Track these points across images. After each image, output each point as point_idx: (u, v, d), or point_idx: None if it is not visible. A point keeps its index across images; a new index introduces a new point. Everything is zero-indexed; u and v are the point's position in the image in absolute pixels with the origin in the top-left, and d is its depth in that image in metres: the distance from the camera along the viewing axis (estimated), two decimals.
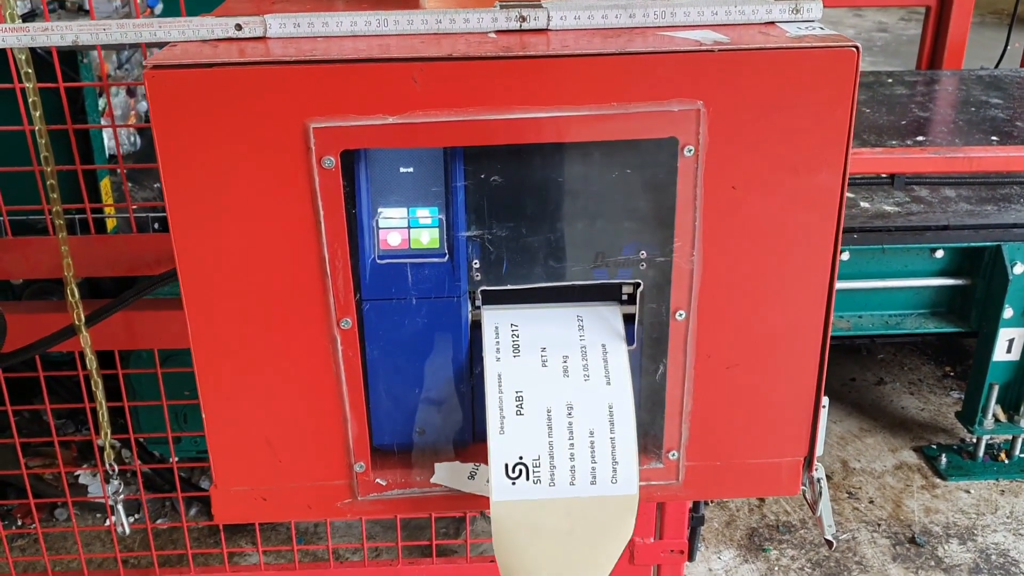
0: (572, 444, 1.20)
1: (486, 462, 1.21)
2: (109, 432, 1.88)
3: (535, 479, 1.20)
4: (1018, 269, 2.61)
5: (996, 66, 3.92)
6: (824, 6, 1.22)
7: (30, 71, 1.57)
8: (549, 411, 1.20)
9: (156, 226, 2.36)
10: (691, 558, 2.19)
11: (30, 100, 1.59)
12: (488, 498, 1.20)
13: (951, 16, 3.79)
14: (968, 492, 2.84)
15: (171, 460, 2.17)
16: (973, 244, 2.68)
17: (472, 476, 1.29)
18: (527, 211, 1.20)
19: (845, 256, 2.66)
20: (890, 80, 3.64)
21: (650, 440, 1.31)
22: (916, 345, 3.59)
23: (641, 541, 2.12)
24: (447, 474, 1.29)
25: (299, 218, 1.14)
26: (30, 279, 2.43)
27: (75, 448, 2.76)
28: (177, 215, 1.14)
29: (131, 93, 2.76)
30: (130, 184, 2.68)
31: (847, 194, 1.20)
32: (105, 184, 2.46)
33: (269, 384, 1.22)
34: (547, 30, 1.16)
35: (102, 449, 1.87)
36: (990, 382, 2.74)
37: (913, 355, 3.55)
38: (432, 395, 1.27)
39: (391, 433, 1.29)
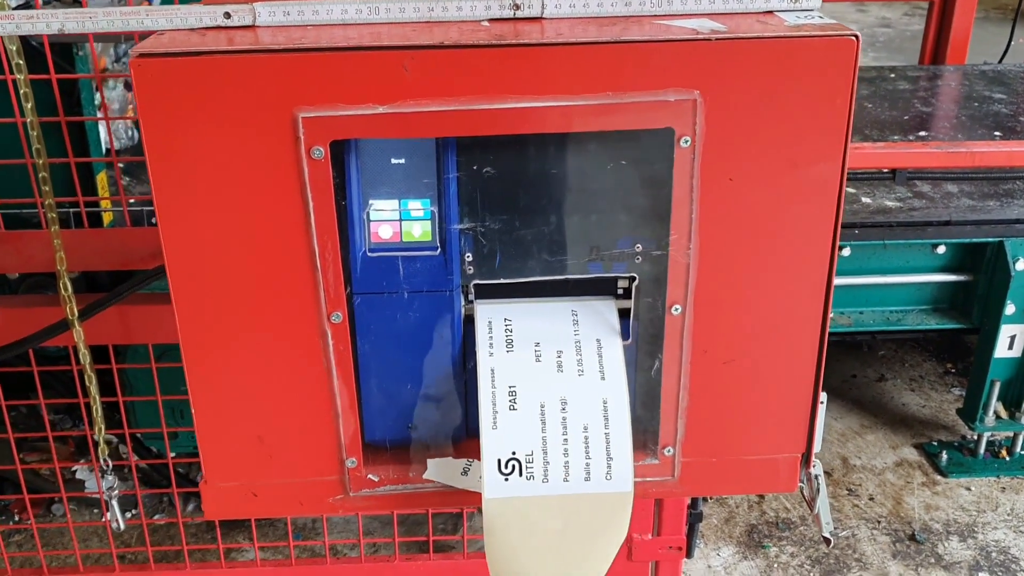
0: (566, 440, 1.18)
1: (479, 458, 1.19)
2: (103, 428, 1.86)
3: (528, 475, 1.17)
4: (1020, 265, 2.58)
5: (1000, 61, 3.89)
6: (827, 1, 1.19)
7: (21, 62, 1.55)
8: (543, 406, 1.18)
9: (152, 220, 2.33)
10: (689, 555, 2.17)
11: (21, 92, 1.56)
12: (481, 495, 1.18)
13: (955, 11, 3.76)
14: (969, 489, 2.82)
15: (167, 455, 2.15)
16: (975, 240, 2.65)
17: (465, 472, 1.27)
18: (521, 203, 1.17)
19: (846, 252, 2.63)
20: (893, 75, 3.61)
21: (645, 436, 1.29)
22: (917, 341, 3.56)
23: (639, 537, 2.10)
24: (440, 470, 1.27)
25: (288, 210, 1.12)
26: (26, 273, 2.41)
27: (72, 443, 2.74)
28: (164, 207, 1.11)
29: (129, 86, 2.74)
30: (127, 178, 2.66)
31: (848, 189, 1.17)
32: (101, 178, 2.44)
33: (259, 379, 1.20)
34: (541, 18, 1.14)
35: (96, 444, 1.85)
36: (991, 379, 2.71)
37: (914, 351, 3.53)
38: (424, 390, 1.25)
39: (383, 429, 1.27)
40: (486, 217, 1.17)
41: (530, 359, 1.20)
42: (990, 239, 2.63)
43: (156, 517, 2.61)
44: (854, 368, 3.43)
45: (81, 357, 1.80)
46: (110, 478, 1.89)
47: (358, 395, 1.23)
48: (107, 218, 2.43)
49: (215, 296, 1.15)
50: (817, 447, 1.32)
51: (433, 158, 1.15)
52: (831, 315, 1.23)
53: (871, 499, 2.78)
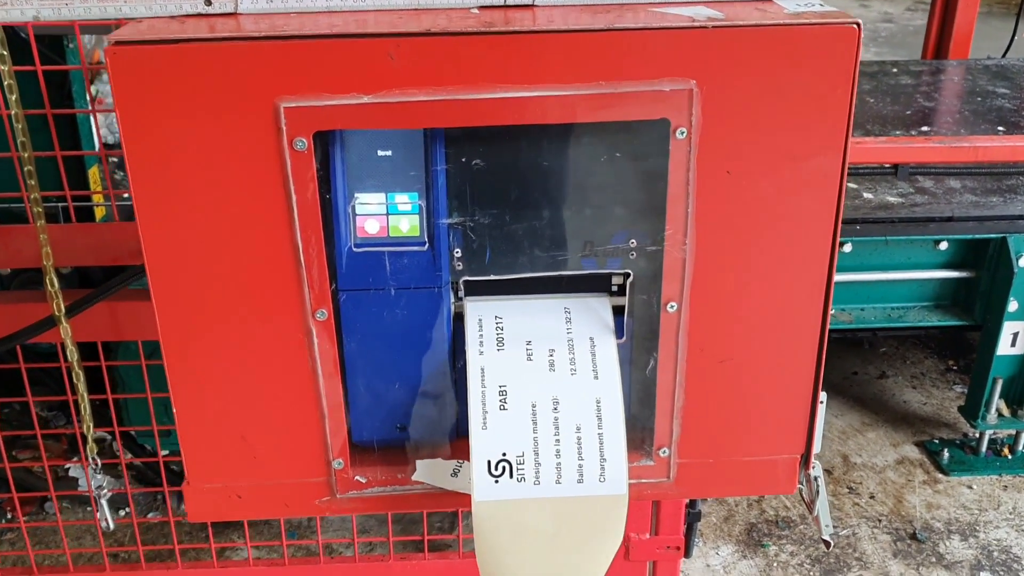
0: (558, 440, 1.14)
1: (469, 459, 1.15)
2: (91, 425, 1.82)
3: (519, 477, 1.13)
4: (1023, 262, 2.54)
5: (1003, 56, 3.84)
6: None
7: (5, 53, 1.51)
8: (534, 406, 1.14)
9: None
10: (688, 554, 2.13)
11: (5, 83, 1.52)
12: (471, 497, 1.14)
13: (958, 5, 3.70)
14: (970, 487, 2.77)
15: (159, 453, 2.11)
16: (978, 236, 2.60)
17: (455, 473, 1.23)
18: (511, 197, 1.13)
19: (847, 248, 2.58)
20: (895, 69, 3.56)
21: (640, 437, 1.25)
22: (919, 338, 3.51)
23: (636, 537, 2.06)
24: (429, 471, 1.23)
25: (270, 203, 1.08)
26: (18, 269, 2.37)
27: (65, 441, 2.70)
28: (142, 200, 1.07)
29: None
30: (120, 172, 2.62)
31: (849, 184, 1.13)
32: (93, 173, 2.40)
33: (242, 378, 1.16)
34: (533, 5, 1.10)
35: (86, 442, 1.81)
36: (994, 376, 2.66)
37: (916, 348, 3.48)
38: (413, 390, 1.21)
39: (371, 429, 1.23)
40: (476, 211, 1.13)
41: (521, 358, 1.16)
42: (993, 235, 2.58)
43: (151, 515, 2.57)
44: (855, 365, 3.39)
45: (68, 354, 1.76)
46: (99, 477, 1.86)
47: (345, 395, 1.19)
48: (99, 213, 2.39)
49: (195, 292, 1.11)
50: (817, 448, 1.28)
51: (421, 150, 1.11)
52: (831, 312, 1.19)
53: (872, 497, 2.74)
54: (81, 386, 1.80)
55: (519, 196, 1.13)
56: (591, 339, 1.17)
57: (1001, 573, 2.45)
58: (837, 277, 1.17)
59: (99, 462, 1.86)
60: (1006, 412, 2.72)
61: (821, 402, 1.25)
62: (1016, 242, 2.54)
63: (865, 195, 2.67)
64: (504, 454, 1.13)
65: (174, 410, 1.17)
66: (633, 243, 1.16)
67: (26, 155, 1.61)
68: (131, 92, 1.02)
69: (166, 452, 2.25)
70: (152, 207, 1.07)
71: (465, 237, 1.14)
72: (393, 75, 1.02)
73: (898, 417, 3.10)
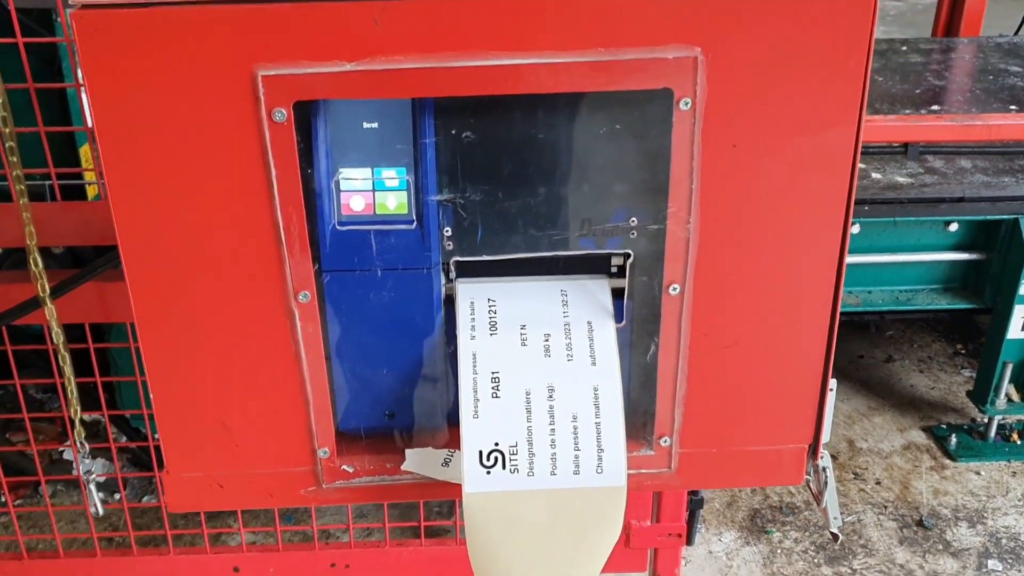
0: (553, 430, 1.07)
1: (460, 448, 1.08)
2: (79, 409, 1.76)
3: (512, 468, 1.07)
4: None
5: (1016, 33, 3.74)
6: None
7: None
8: (528, 394, 1.07)
9: None
10: (690, 542, 2.07)
11: None
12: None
13: None
14: (978, 474, 2.71)
15: (151, 437, 2.05)
16: (989, 217, 2.53)
17: (446, 463, 1.16)
18: (505, 172, 1.06)
19: (855, 229, 2.51)
20: (904, 48, 3.47)
21: (640, 425, 1.18)
22: (926, 322, 3.44)
23: (637, 524, 2.00)
24: (419, 461, 1.16)
25: (249, 179, 1.01)
26: (10, 248, 2.31)
27: (60, 423, 2.65)
28: (113, 175, 1.00)
29: None
30: None
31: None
32: (85, 151, 2.33)
33: (222, 363, 1.10)
34: None
35: (73, 426, 1.75)
36: (1004, 360, 2.60)
37: (923, 332, 3.41)
38: (402, 376, 1.14)
39: (358, 416, 1.16)
40: (467, 187, 1.06)
41: (515, 343, 1.09)
42: (1005, 216, 2.51)
43: (145, 499, 2.52)
44: (861, 349, 3.32)
45: (55, 336, 1.70)
46: (87, 461, 1.80)
47: (330, 381, 1.12)
48: (91, 191, 2.32)
49: (171, 273, 1.05)
50: (825, 437, 1.21)
51: (409, 122, 1.04)
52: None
53: (878, 483, 2.68)
54: (67, 369, 1.74)
55: (513, 171, 1.06)
56: (589, 323, 1.10)
57: (1010, 561, 2.38)
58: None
59: (87, 446, 1.81)
60: (1016, 397, 2.66)
61: (831, 389, 1.18)
62: None
63: (874, 175, 2.59)
64: (496, 444, 1.06)
65: (151, 395, 1.10)
66: (634, 222, 1.09)
67: (7, 131, 1.55)
68: (99, 59, 0.95)
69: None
70: (123, 182, 1.01)
71: (456, 215, 1.07)
72: (378, 41, 0.95)
73: (905, 402, 3.03)
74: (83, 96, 2.31)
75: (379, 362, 1.13)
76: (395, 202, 1.06)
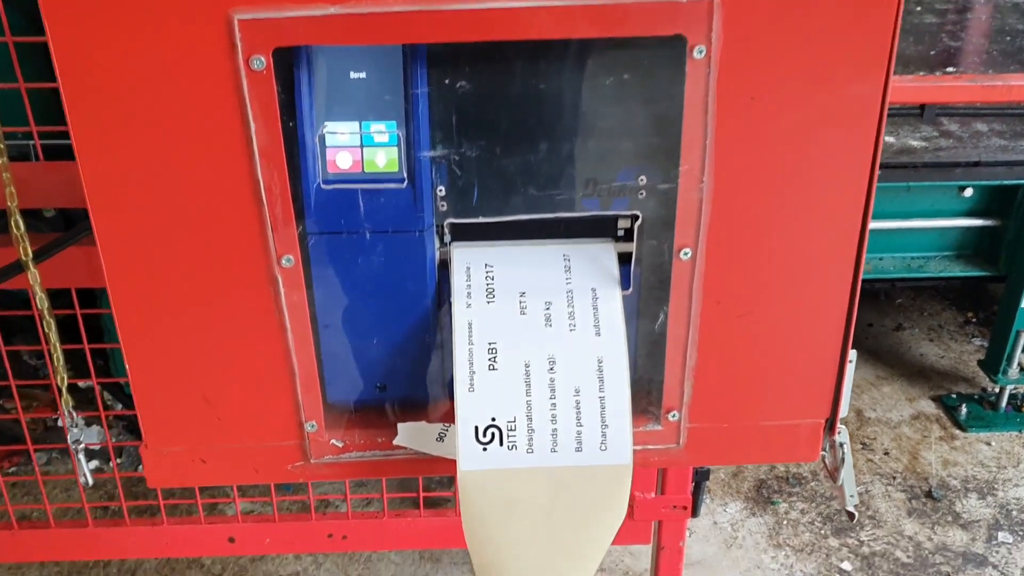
0: (554, 404, 0.99)
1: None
2: (65, 377, 1.69)
3: (510, 444, 0.99)
4: None
5: None
6: None
7: None
8: (527, 366, 0.99)
9: None
10: (695, 514, 2.00)
11: None
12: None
13: None
14: (989, 444, 2.63)
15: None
16: (1005, 182, 2.45)
17: (441, 438, 1.09)
18: (503, 127, 0.97)
19: None
20: (919, 8, 3.35)
21: (647, 399, 1.10)
22: (937, 289, 3.35)
23: (641, 496, 1.93)
24: (412, 435, 1.09)
25: (226, 133, 0.92)
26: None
27: (54, 390, 2.58)
28: (80, 131, 0.92)
29: None
30: None
31: None
32: None
33: (201, 332, 1.02)
34: None
35: (61, 394, 1.68)
36: (1017, 329, 2.53)
37: (933, 300, 3.32)
38: (393, 346, 1.06)
39: (347, 389, 1.08)
40: (462, 143, 0.97)
41: (514, 311, 1.01)
42: (1021, 181, 2.42)
43: (140, 468, 2.46)
44: (870, 317, 3.23)
45: (39, 301, 1.62)
46: (76, 430, 1.73)
47: (317, 351, 1.04)
48: None
49: (144, 236, 0.96)
50: (843, 412, 1.13)
51: (399, 72, 0.95)
52: None
53: (886, 454, 2.61)
54: (53, 335, 1.67)
55: (512, 125, 0.97)
56: (593, 290, 1.02)
57: (1020, 533, 2.32)
58: None
59: (76, 415, 1.74)
60: None
61: (850, 361, 1.10)
62: None
63: (886, 138, 2.49)
64: (493, 419, 0.98)
65: (127, 367, 1.03)
66: (643, 181, 1.00)
67: None
68: (62, 3, 0.86)
69: None
70: (91, 138, 0.92)
71: (450, 173, 0.98)
72: None
73: (914, 371, 2.95)
74: None
75: (369, 331, 1.05)
76: (384, 159, 0.97)
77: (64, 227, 2.24)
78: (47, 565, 2.23)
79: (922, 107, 2.56)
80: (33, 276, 1.63)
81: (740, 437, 1.13)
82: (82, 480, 1.81)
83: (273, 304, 1.00)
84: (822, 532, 2.34)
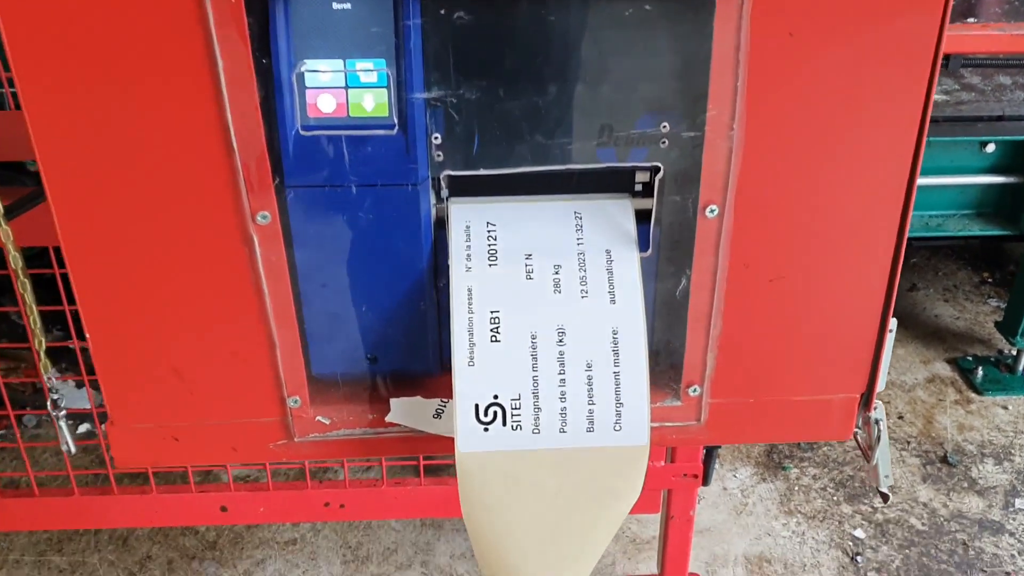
0: (563, 380, 0.87)
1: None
2: (43, 341, 1.57)
3: (514, 424, 0.87)
4: None
5: None
6: None
7: None
8: (534, 337, 0.87)
9: None
10: (706, 482, 1.89)
11: None
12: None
13: None
14: (1005, 408, 2.53)
15: None
16: None
17: (438, 415, 0.97)
18: (507, 65, 0.84)
19: None
20: None
21: (665, 373, 0.98)
22: (952, 249, 3.23)
23: (651, 464, 1.82)
24: (407, 412, 0.97)
25: (190, 72, 0.79)
26: None
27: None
28: (22, 65, 0.79)
29: None
30: None
31: None
32: None
33: (169, 297, 0.89)
34: None
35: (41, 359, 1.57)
36: None
37: (948, 259, 3.20)
38: (385, 313, 0.94)
39: (334, 360, 0.96)
40: (461, 84, 0.84)
41: (519, 276, 0.88)
42: None
43: None
44: None
45: (12, 260, 1.50)
46: (54, 395, 1.62)
47: (300, 319, 0.92)
48: None
49: (101, 189, 0.84)
50: (880, 386, 1.01)
51: (388, 1, 0.81)
52: None
53: (900, 418, 2.50)
54: (28, 296, 1.55)
55: (517, 64, 0.83)
56: (608, 252, 0.90)
57: None
58: None
59: (55, 380, 1.63)
60: None
61: (890, 330, 0.98)
62: None
63: None
64: (496, 397, 0.87)
65: (87, 335, 0.91)
66: (664, 128, 0.87)
67: None
68: None
69: None
70: (37, 77, 0.79)
71: (447, 118, 0.85)
72: None
73: (929, 332, 2.84)
74: None
75: (357, 297, 0.93)
76: (372, 102, 0.84)
77: None
78: (36, 531, 2.14)
79: (946, 58, 2.41)
80: (5, 233, 1.50)
81: (766, 413, 1.01)
82: (64, 448, 1.70)
83: (248, 266, 0.88)
84: (834, 498, 2.24)
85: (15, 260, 1.54)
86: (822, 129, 0.87)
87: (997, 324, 2.60)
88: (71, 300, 1.81)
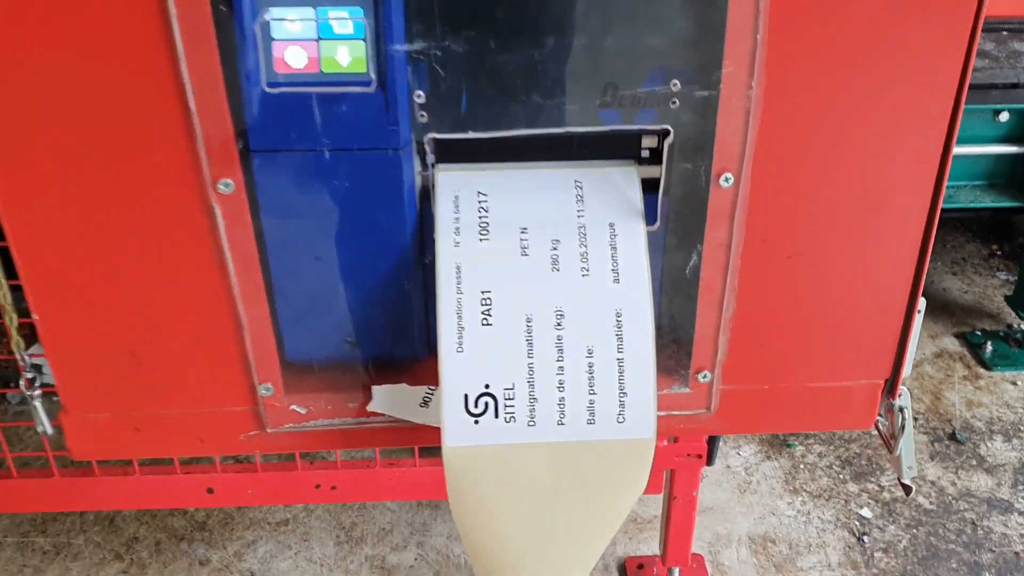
0: (562, 368, 0.78)
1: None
2: (15, 317, 1.48)
3: (507, 416, 0.78)
4: None
5: None
6: None
7: None
8: (529, 320, 0.78)
9: None
10: (710, 462, 1.81)
11: None
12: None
13: None
14: (1015, 384, 2.45)
15: None
16: None
17: (426, 403, 0.88)
18: (499, 14, 0.73)
19: None
20: None
21: (673, 357, 0.89)
22: (960, 220, 3.13)
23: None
24: (390, 400, 0.88)
25: (141, 21, 0.69)
26: None
27: (27, 328, 2.38)
28: None
29: None
30: None
31: None
32: None
33: (124, 273, 0.80)
34: None
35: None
36: None
37: (956, 231, 3.10)
38: (365, 293, 0.84)
39: (310, 344, 0.87)
40: (447, 35, 0.74)
41: (512, 252, 0.79)
42: None
43: None
44: None
45: None
46: (27, 374, 1.53)
47: (270, 299, 0.83)
48: None
49: (44, 152, 0.74)
50: (906, 371, 0.92)
51: None
52: None
53: None
54: None
55: (510, 13, 0.73)
56: (611, 226, 0.80)
57: None
58: None
59: (28, 359, 1.53)
60: None
61: (919, 311, 0.89)
62: None
63: None
64: (487, 386, 0.77)
65: (34, 316, 0.81)
66: (675, 86, 0.77)
67: None
68: None
69: None
70: None
71: (432, 74, 0.75)
72: None
73: (936, 306, 2.75)
74: None
75: (334, 275, 0.83)
76: (348, 56, 0.74)
77: None
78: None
79: None
80: None
81: (782, 401, 0.92)
82: (40, 429, 1.60)
83: (210, 239, 0.78)
84: (841, 477, 2.16)
85: None
86: (850, 89, 0.77)
87: (1007, 298, 2.51)
88: None
